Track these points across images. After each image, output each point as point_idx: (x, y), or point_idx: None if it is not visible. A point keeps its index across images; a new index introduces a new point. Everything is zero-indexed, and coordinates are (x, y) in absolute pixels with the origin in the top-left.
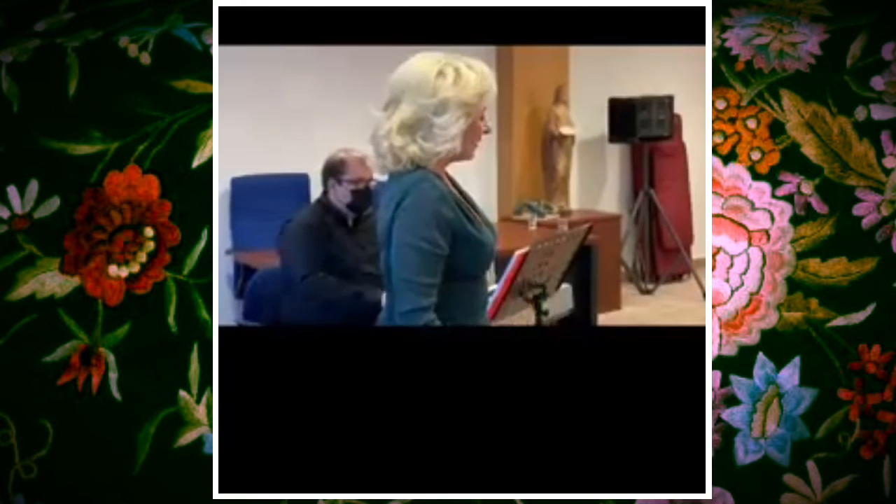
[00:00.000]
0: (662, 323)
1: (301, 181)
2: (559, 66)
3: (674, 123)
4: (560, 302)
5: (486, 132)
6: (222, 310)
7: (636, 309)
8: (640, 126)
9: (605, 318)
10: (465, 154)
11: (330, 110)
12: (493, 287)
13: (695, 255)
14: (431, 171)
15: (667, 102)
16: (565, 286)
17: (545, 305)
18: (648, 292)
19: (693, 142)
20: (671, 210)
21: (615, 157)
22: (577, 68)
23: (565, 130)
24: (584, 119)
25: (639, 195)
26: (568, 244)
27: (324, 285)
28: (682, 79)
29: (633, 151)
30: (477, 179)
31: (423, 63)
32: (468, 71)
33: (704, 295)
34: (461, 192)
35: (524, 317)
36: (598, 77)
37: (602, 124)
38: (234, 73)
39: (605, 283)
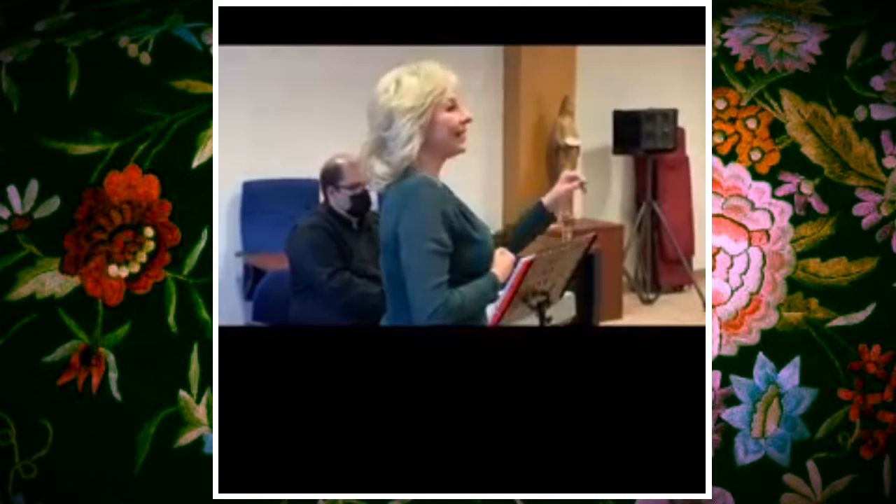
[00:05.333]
0: None
1: (312, 186)
2: (566, 75)
3: (677, 136)
4: (563, 309)
5: (466, 121)
6: (232, 311)
7: (637, 318)
8: (644, 138)
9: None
10: (449, 148)
11: (343, 114)
12: (497, 293)
13: (696, 266)
14: (428, 174)
15: (671, 115)
16: (568, 294)
17: (548, 313)
18: (649, 302)
19: (696, 155)
20: (673, 221)
21: (619, 169)
22: (583, 79)
23: (570, 141)
24: (589, 130)
25: (642, 206)
26: (572, 253)
27: (353, 282)
28: (687, 93)
29: (637, 163)
30: (483, 186)
31: (376, 88)
32: (409, 77)
33: (705, 306)
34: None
35: (527, 324)
36: (603, 89)
37: (606, 136)
38: (249, 75)
39: (608, 291)
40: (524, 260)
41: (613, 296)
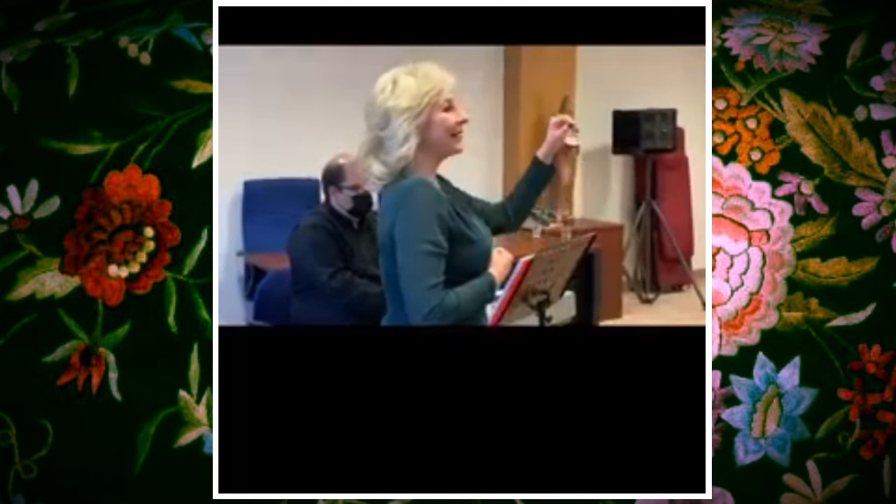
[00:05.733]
0: None
1: (312, 186)
2: (566, 76)
3: (676, 136)
4: (563, 309)
5: (462, 122)
6: (233, 310)
7: (636, 317)
8: (643, 138)
9: (605, 326)
10: (446, 149)
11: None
12: (497, 293)
13: (695, 265)
14: (423, 176)
15: (670, 115)
16: (568, 293)
17: (548, 312)
18: (649, 301)
19: (695, 155)
20: (673, 221)
21: (619, 169)
22: (583, 80)
23: (570, 141)
24: (589, 130)
25: (641, 206)
26: (572, 252)
27: (353, 282)
28: (686, 93)
29: (637, 163)
30: (483, 186)
31: (374, 88)
32: (407, 78)
33: (704, 306)
34: (454, 192)
35: (528, 323)
36: (602, 89)
37: (606, 136)
38: (249, 75)
39: (607, 291)
40: (524, 259)
41: (613, 295)
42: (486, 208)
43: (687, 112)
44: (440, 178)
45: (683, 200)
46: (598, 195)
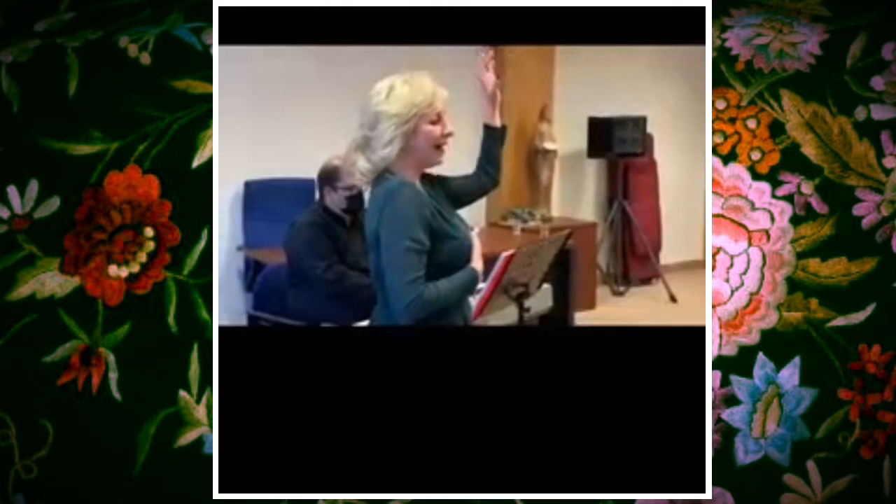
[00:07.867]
0: (632, 322)
1: (310, 186)
2: (545, 86)
3: (646, 142)
4: (541, 300)
5: (447, 135)
6: (234, 301)
7: (609, 309)
8: (616, 143)
9: (580, 317)
10: (428, 159)
11: (343, 114)
12: (480, 286)
13: (662, 261)
14: (407, 177)
15: (640, 122)
16: (545, 286)
17: (527, 303)
18: (620, 294)
19: (662, 160)
20: (642, 220)
21: (593, 171)
22: (560, 89)
23: (548, 146)
24: (566, 135)
25: (613, 205)
26: (549, 248)
27: (346, 274)
28: (656, 100)
29: (609, 166)
30: None
31: (372, 90)
32: (402, 86)
33: (671, 298)
34: (437, 191)
35: (507, 314)
36: (579, 97)
37: (582, 140)
38: (249, 75)
39: (582, 284)
40: (505, 254)
41: (587, 288)
42: (465, 181)
43: (656, 118)
44: (428, 176)
45: (652, 200)
46: (574, 195)
